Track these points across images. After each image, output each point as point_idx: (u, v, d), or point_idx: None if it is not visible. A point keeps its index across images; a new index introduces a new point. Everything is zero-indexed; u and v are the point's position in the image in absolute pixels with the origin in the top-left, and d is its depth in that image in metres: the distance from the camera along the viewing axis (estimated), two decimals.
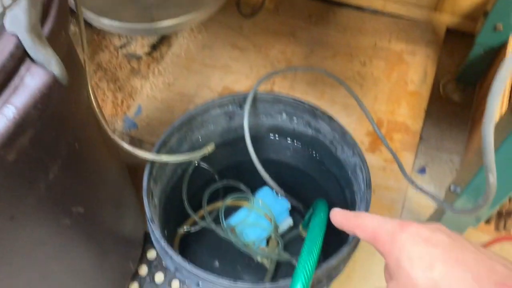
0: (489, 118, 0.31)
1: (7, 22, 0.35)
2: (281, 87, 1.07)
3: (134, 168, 0.94)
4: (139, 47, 1.13)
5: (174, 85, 1.08)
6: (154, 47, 1.14)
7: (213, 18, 1.05)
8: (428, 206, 0.92)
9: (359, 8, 1.21)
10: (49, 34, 0.39)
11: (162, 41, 1.15)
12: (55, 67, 0.38)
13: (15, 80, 0.36)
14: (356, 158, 0.60)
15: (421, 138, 1.00)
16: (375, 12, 1.20)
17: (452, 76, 1.09)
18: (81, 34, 0.52)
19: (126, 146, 0.56)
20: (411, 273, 0.30)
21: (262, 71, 1.11)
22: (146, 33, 1.02)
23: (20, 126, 0.36)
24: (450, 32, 1.15)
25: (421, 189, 0.62)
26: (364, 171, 0.57)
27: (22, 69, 0.37)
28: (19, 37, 0.36)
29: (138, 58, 1.12)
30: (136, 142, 1.00)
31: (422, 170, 0.97)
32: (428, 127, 1.03)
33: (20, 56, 0.37)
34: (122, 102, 1.04)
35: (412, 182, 0.64)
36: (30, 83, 0.37)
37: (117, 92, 1.06)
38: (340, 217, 0.40)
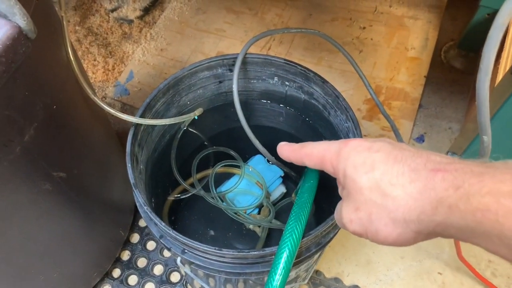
0: (484, 72, 0.28)
1: None
2: (277, 52, 1.04)
3: (126, 134, 0.92)
4: (131, 11, 1.09)
5: (167, 50, 1.05)
6: (146, 10, 1.10)
7: None
8: None
9: None
10: None
11: (155, 4, 1.11)
12: (20, 18, 0.35)
13: None
14: (349, 122, 0.57)
15: (420, 105, 0.97)
16: None
17: (454, 43, 1.05)
18: None
19: (108, 108, 0.53)
20: (355, 178, 0.31)
21: None
22: None
23: None
24: None
25: None
26: (357, 136, 0.54)
27: None
28: None
29: (130, 22, 1.08)
30: (127, 108, 0.98)
31: (421, 138, 0.94)
32: (428, 94, 1.00)
33: None
34: (113, 67, 1.01)
35: None
36: None
37: (108, 58, 1.02)
38: (286, 151, 0.41)
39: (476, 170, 0.26)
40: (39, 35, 0.39)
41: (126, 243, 0.84)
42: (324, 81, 0.60)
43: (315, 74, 0.61)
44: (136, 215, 0.86)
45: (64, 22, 0.51)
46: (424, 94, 0.99)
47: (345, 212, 0.33)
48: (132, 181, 0.52)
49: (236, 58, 0.63)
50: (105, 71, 1.01)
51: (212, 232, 0.79)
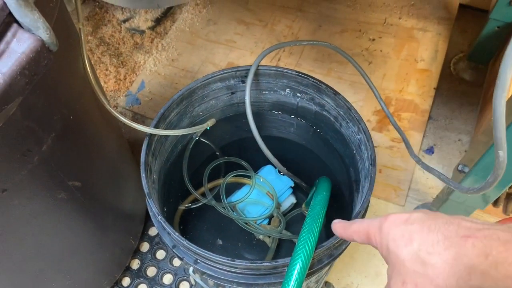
0: (501, 88, 0.29)
1: None
2: (287, 63, 1.05)
3: (138, 143, 0.93)
4: (143, 21, 1.10)
5: (178, 60, 1.06)
6: (158, 21, 1.11)
7: None
8: (435, 186, 0.90)
9: None
10: None
11: (166, 15, 1.12)
12: (43, 32, 0.36)
13: (1, 46, 0.35)
14: (361, 134, 0.57)
15: (430, 117, 0.98)
16: None
17: (464, 55, 1.05)
18: (77, 4, 0.50)
19: (123, 118, 0.54)
20: (397, 252, 0.33)
21: (267, 46, 1.07)
22: (149, 6, 0.99)
23: (7, 92, 0.35)
24: (463, 8, 1.11)
25: (428, 168, 0.60)
26: (369, 147, 0.55)
27: (9, 34, 0.35)
28: (4, 0, 0.34)
29: (142, 33, 1.09)
30: (139, 118, 0.99)
31: (430, 150, 0.94)
32: (438, 106, 1.00)
33: (6, 21, 0.35)
34: (125, 77, 1.03)
35: (419, 160, 0.62)
36: (17, 48, 0.35)
37: (120, 67, 1.04)
38: (339, 228, 0.43)
39: (503, 238, 0.28)
40: (59, 47, 0.40)
41: (136, 252, 0.84)
42: (335, 93, 0.61)
43: (327, 86, 0.61)
44: (146, 224, 0.86)
45: (82, 34, 0.52)
46: (434, 105, 0.99)
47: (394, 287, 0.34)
48: (146, 191, 0.52)
49: (248, 70, 0.64)
50: (116, 80, 1.02)
51: (221, 242, 0.79)
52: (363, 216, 0.52)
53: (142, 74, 1.04)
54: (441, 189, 0.83)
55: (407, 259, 0.32)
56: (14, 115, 0.38)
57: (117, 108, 0.98)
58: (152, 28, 1.10)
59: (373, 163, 0.53)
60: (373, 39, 1.08)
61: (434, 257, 0.30)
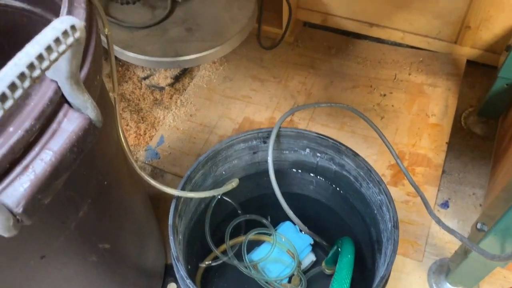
0: None
1: (49, 70, 0.36)
2: (301, 118, 1.08)
3: (156, 197, 0.94)
4: (162, 78, 1.15)
5: (196, 115, 1.09)
6: (177, 78, 1.16)
7: (234, 50, 1.06)
8: (452, 241, 0.90)
9: (378, 40, 1.22)
10: (85, 80, 0.40)
11: (185, 73, 1.17)
12: (91, 111, 0.39)
13: (53, 125, 0.37)
14: (382, 196, 0.59)
15: (443, 171, 0.99)
16: (394, 44, 1.21)
17: (474, 109, 1.08)
18: (113, 75, 0.54)
19: (153, 182, 0.56)
20: None
21: (282, 102, 1.12)
22: (169, 66, 1.04)
23: (57, 170, 0.37)
24: (471, 63, 1.15)
25: (448, 229, 0.61)
26: (391, 209, 0.56)
27: (60, 114, 0.38)
28: (59, 84, 0.37)
29: (161, 89, 1.14)
30: (158, 172, 1.01)
31: (445, 204, 0.95)
32: (450, 160, 1.02)
33: (59, 102, 0.38)
34: (144, 132, 1.06)
35: (438, 220, 0.63)
36: (67, 127, 0.38)
37: (140, 123, 1.07)
38: None
39: None
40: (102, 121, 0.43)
41: None
42: (355, 154, 0.63)
43: (347, 147, 0.64)
44: (165, 280, 0.87)
45: (116, 103, 0.55)
46: (447, 159, 1.01)
47: None
48: (174, 254, 0.54)
49: (270, 131, 0.67)
50: (136, 135, 1.05)
51: None
52: (387, 280, 0.53)
53: (161, 129, 1.07)
54: (459, 245, 0.83)
55: None
56: (59, 188, 0.41)
57: (137, 162, 1.01)
58: (171, 85, 1.14)
59: (396, 225, 0.55)
60: (384, 95, 1.11)
61: None
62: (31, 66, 0.27)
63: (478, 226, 0.68)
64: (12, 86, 0.26)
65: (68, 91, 0.37)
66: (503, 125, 0.99)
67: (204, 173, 0.66)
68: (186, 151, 1.04)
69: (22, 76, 0.26)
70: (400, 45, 1.21)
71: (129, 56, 0.96)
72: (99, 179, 0.51)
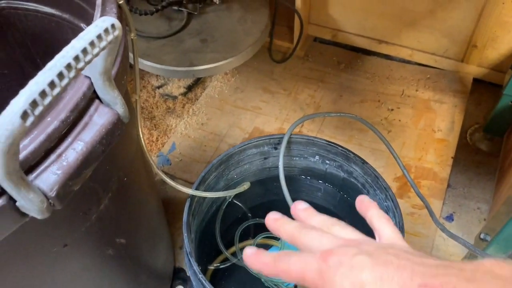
0: None
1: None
2: (310, 130, 1.10)
3: (165, 203, 0.97)
4: (175, 88, 1.18)
5: (207, 124, 1.12)
6: (190, 88, 1.19)
7: (246, 63, 1.10)
8: (456, 253, 0.92)
9: (387, 57, 1.26)
10: (115, 77, 0.43)
11: (197, 83, 1.21)
12: (120, 107, 0.42)
13: (85, 118, 0.40)
14: (389, 202, 0.61)
15: (448, 185, 1.01)
16: (402, 61, 1.24)
17: (480, 126, 1.11)
18: (136, 77, 0.57)
19: (169, 181, 0.59)
20: None
21: (291, 113, 1.14)
22: (184, 76, 1.07)
23: (87, 159, 0.40)
24: (477, 81, 1.18)
25: (453, 235, 0.63)
26: (397, 215, 0.58)
27: (91, 109, 0.41)
28: (92, 80, 0.40)
29: (174, 98, 1.17)
30: (168, 178, 1.03)
31: (450, 217, 0.97)
32: (456, 174, 1.03)
33: (91, 97, 0.41)
34: (157, 139, 1.09)
35: (443, 228, 0.65)
36: (98, 120, 0.41)
37: (152, 130, 1.10)
38: (257, 264, 0.35)
39: (460, 286, 0.26)
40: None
41: None
42: (364, 161, 0.65)
43: (355, 155, 0.66)
44: (173, 282, 0.88)
45: (138, 104, 0.58)
46: (452, 174, 1.03)
47: None
48: (188, 250, 0.56)
49: (281, 138, 0.69)
50: (149, 142, 1.08)
51: None
52: None
53: (173, 136, 1.10)
54: (462, 256, 0.85)
55: None
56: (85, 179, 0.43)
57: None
58: (184, 94, 1.18)
59: (401, 230, 0.57)
60: (392, 109, 1.14)
61: None
62: (76, 59, 0.30)
63: (482, 236, 0.70)
64: (60, 76, 0.29)
65: (101, 87, 0.40)
66: (508, 142, 1.01)
67: (216, 175, 0.68)
68: (196, 158, 1.07)
69: (68, 67, 0.29)
70: (408, 62, 1.24)
71: (146, 64, 0.99)
72: (120, 175, 0.53)
